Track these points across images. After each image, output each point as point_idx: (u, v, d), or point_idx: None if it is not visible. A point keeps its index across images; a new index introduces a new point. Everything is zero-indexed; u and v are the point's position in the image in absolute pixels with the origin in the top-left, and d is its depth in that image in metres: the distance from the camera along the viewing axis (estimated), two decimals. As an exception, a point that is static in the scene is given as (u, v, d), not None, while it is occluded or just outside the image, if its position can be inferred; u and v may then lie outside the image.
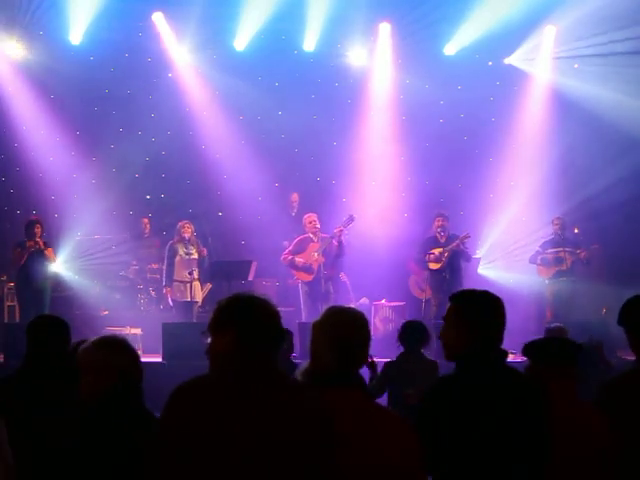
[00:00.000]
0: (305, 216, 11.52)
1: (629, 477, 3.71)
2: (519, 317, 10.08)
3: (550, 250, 11.99)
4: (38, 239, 11.06)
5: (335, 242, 11.17)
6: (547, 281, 12.06)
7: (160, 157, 13.72)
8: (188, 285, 11.25)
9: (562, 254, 11.82)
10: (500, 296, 3.40)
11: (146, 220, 13.31)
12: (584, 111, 13.15)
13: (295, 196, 13.34)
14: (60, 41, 13.19)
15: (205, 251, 11.64)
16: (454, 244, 11.48)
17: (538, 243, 12.43)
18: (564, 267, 11.83)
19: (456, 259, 11.56)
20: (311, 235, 11.35)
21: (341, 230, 11.14)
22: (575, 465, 3.51)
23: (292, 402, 2.78)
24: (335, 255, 11.24)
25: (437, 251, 11.57)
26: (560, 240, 11.95)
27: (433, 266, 11.60)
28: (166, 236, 12.36)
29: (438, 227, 11.68)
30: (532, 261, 12.17)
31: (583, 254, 11.80)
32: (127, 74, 13.34)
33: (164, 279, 11.61)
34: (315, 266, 11.16)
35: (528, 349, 3.76)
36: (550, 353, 3.73)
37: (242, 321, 2.81)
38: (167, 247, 11.58)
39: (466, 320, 3.29)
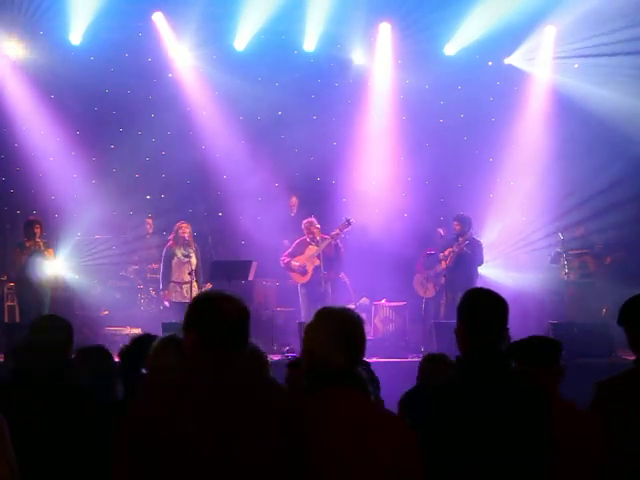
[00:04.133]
0: (304, 221, 11.52)
1: (628, 476, 3.71)
2: (519, 317, 10.08)
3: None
4: (38, 239, 11.03)
5: (332, 245, 11.19)
6: (546, 281, 12.17)
7: (160, 157, 13.70)
8: (185, 286, 11.21)
9: (561, 257, 11.99)
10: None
11: (150, 220, 13.32)
12: (584, 111, 13.16)
13: (294, 200, 13.36)
14: (60, 41, 13.17)
15: (199, 254, 11.58)
16: (454, 246, 11.47)
17: (537, 242, 12.58)
18: (562, 270, 11.97)
19: (462, 261, 11.41)
20: (308, 239, 11.37)
21: (337, 233, 11.17)
22: (561, 464, 3.49)
23: (255, 401, 2.78)
24: (332, 258, 11.26)
25: (448, 251, 11.60)
26: (563, 242, 12.16)
27: (442, 265, 11.66)
28: (166, 236, 12.34)
29: (455, 231, 11.71)
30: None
31: (584, 255, 11.90)
32: (127, 74, 13.29)
33: (160, 283, 11.56)
34: (310, 268, 11.19)
35: (511, 350, 3.76)
36: (532, 353, 3.72)
37: (200, 321, 2.85)
38: (164, 250, 11.53)
39: (466, 318, 3.29)
